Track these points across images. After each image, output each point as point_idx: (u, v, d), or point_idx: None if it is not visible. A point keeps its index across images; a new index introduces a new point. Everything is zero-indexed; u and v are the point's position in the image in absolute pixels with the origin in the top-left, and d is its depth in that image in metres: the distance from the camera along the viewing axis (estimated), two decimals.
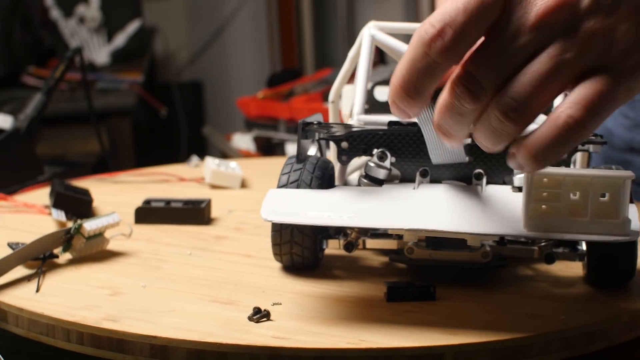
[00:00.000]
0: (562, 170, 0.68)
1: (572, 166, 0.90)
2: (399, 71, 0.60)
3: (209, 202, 0.97)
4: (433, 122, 0.62)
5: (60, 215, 0.95)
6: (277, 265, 0.82)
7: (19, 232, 0.92)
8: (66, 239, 0.82)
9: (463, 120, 0.61)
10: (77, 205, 0.97)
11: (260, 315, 0.70)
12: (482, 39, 0.60)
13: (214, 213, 0.98)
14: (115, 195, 1.06)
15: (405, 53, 0.60)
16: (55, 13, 2.27)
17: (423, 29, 0.59)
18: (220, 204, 1.01)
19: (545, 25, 0.59)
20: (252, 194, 1.07)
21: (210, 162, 1.11)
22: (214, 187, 1.09)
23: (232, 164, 1.12)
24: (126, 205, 0.99)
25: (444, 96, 0.61)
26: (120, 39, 2.30)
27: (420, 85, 0.60)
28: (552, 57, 0.59)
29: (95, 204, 1.00)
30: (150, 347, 0.67)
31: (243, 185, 1.10)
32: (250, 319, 0.70)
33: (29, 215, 0.98)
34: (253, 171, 1.14)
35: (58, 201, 0.97)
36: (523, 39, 0.59)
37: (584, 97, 0.58)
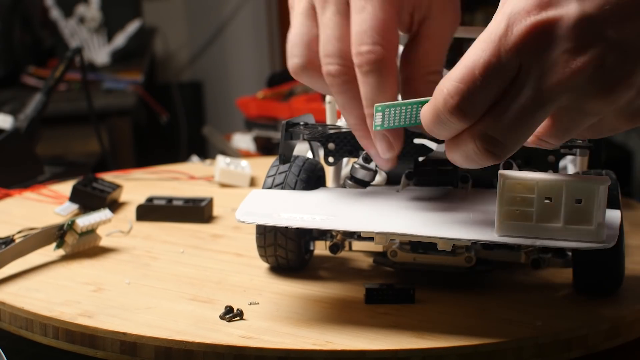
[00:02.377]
0: (535, 174, 0.67)
1: (571, 168, 0.89)
2: (425, 110, 0.62)
3: (210, 201, 0.98)
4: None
5: (65, 210, 0.97)
6: (265, 265, 0.82)
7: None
8: (59, 235, 0.84)
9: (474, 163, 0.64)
10: (92, 201, 0.98)
11: (232, 314, 0.70)
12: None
13: (217, 211, 0.99)
14: (127, 193, 1.07)
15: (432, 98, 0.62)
16: (55, 13, 2.30)
17: (443, 85, 0.61)
18: (225, 203, 1.01)
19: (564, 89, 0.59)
20: None
21: (221, 160, 1.12)
22: (223, 185, 1.10)
23: (243, 162, 1.13)
24: (134, 203, 1.01)
25: (464, 148, 0.62)
26: (120, 39, 2.31)
27: (439, 131, 0.63)
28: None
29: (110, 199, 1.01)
30: (120, 343, 0.68)
31: (252, 184, 1.11)
32: (222, 317, 0.70)
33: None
34: (263, 170, 1.14)
35: (74, 195, 0.98)
36: (546, 106, 0.59)
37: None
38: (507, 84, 0.60)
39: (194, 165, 1.20)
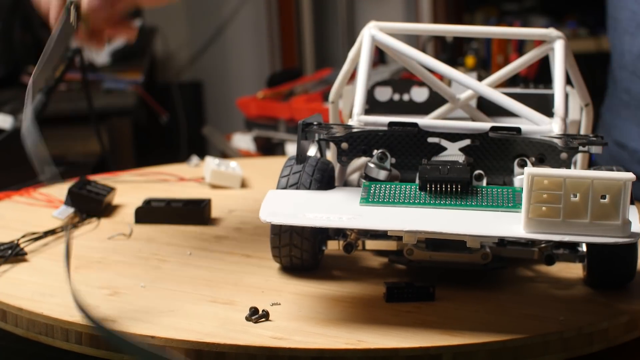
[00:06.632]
0: (562, 171, 0.67)
1: (572, 167, 0.90)
2: None
3: (209, 202, 0.97)
4: None
5: (62, 213, 0.95)
6: (277, 265, 0.81)
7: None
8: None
9: None
10: (88, 203, 0.97)
11: (258, 315, 0.70)
12: None
13: (214, 213, 0.98)
14: (118, 195, 1.06)
15: None
16: None
17: None
18: (220, 204, 1.01)
19: None
20: (252, 194, 1.07)
21: (211, 161, 1.11)
22: (214, 187, 1.09)
23: (232, 163, 1.12)
24: (128, 206, 0.99)
25: None
26: (120, 39, 2.29)
27: None
28: None
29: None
30: (148, 347, 0.67)
31: (243, 185, 1.10)
32: (247, 319, 0.70)
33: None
34: (253, 171, 1.14)
35: (69, 198, 0.97)
36: None
37: None
38: None
39: (181, 167, 1.19)
